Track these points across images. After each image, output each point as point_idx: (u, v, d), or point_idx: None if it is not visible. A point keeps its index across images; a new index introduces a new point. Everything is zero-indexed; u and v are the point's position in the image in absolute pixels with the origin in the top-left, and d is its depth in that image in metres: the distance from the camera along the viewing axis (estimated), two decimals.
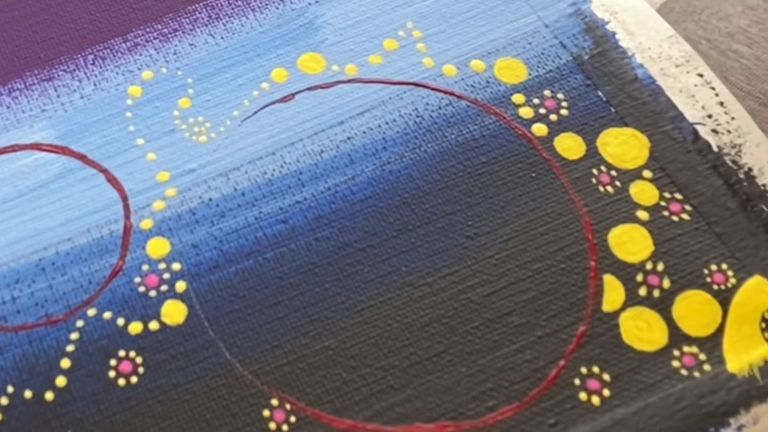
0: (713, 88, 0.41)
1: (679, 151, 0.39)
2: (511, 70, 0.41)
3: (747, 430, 0.34)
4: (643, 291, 0.36)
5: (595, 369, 0.35)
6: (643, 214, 0.38)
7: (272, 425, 0.33)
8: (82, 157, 0.38)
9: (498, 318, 0.35)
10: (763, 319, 0.36)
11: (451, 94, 0.41)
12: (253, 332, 0.35)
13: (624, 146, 0.39)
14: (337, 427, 0.33)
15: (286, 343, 0.35)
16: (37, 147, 0.38)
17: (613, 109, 0.40)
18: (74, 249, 0.36)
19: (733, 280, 0.36)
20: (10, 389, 0.34)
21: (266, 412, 0.33)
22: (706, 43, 0.42)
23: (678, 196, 0.38)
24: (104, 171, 0.38)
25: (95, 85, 0.40)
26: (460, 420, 0.33)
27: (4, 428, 0.33)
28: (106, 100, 0.40)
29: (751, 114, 0.40)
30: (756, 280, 0.37)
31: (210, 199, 0.38)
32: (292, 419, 0.33)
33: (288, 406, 0.34)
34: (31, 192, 0.37)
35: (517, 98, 0.41)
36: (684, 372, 0.35)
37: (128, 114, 0.40)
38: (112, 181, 0.38)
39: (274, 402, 0.34)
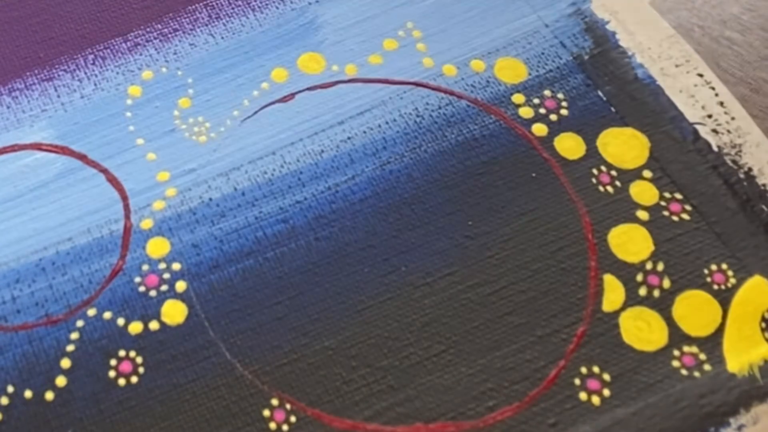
0: (713, 88, 0.41)
1: (679, 151, 0.39)
2: (511, 70, 0.41)
3: (747, 430, 0.34)
4: (643, 291, 0.36)
5: (595, 369, 0.35)
6: (643, 214, 0.38)
7: (272, 425, 0.33)
8: (82, 157, 0.38)
9: (498, 318, 0.35)
10: (763, 319, 0.36)
11: (451, 93, 0.41)
12: (253, 332, 0.35)
13: (624, 146, 0.39)
14: (337, 427, 0.33)
15: (286, 343, 0.35)
16: (38, 147, 0.38)
17: (613, 109, 0.40)
18: (74, 249, 0.36)
19: (733, 280, 0.36)
20: (10, 389, 0.34)
21: (266, 412, 0.33)
22: (699, 30, 0.42)
23: (678, 196, 0.38)
24: (104, 171, 0.38)
25: (95, 85, 0.40)
26: (460, 420, 0.33)
27: (4, 428, 0.33)
28: (106, 100, 0.40)
29: (743, 100, 0.40)
30: (756, 280, 0.36)
31: (210, 199, 0.38)
32: (292, 419, 0.33)
33: (288, 406, 0.34)
34: (32, 192, 0.37)
35: (517, 98, 0.41)
36: (684, 372, 0.35)
37: (128, 114, 0.40)
38: (113, 180, 0.38)
39: (274, 402, 0.34)
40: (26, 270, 0.36)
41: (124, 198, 0.37)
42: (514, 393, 0.34)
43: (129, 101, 0.40)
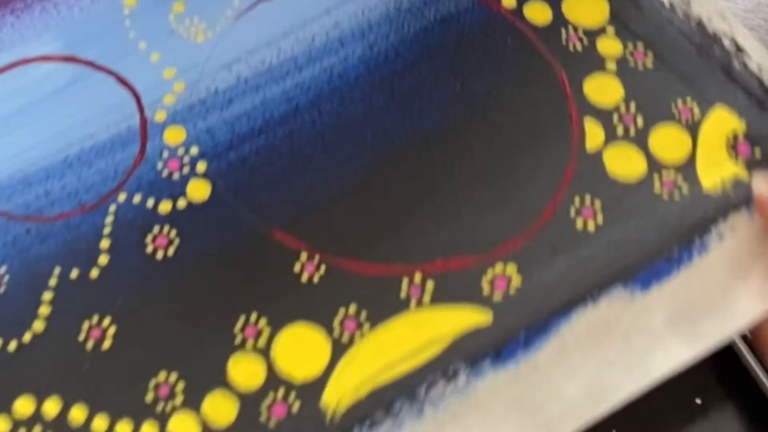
0: None
1: (635, 8, 0.43)
2: None
3: (726, 237, 0.38)
4: (620, 130, 0.40)
5: (587, 200, 0.38)
6: (611, 65, 0.41)
7: (304, 277, 0.36)
8: (90, 64, 0.40)
9: (497, 162, 0.39)
10: (728, 144, 0.40)
11: None
12: (274, 199, 0.38)
13: (586, 8, 0.43)
14: (363, 272, 0.36)
15: (306, 204, 0.37)
16: (46, 59, 0.41)
17: None
18: (97, 144, 0.39)
19: (698, 114, 0.40)
20: (57, 270, 0.36)
21: (297, 267, 0.36)
22: None
23: (640, 46, 0.42)
24: (113, 74, 0.40)
25: None
26: (475, 253, 0.37)
27: (56, 305, 0.35)
28: (104, 12, 0.42)
29: None
30: (718, 112, 0.40)
31: (216, 89, 0.40)
32: (322, 269, 0.36)
33: (316, 259, 0.36)
34: (48, 98, 0.40)
35: None
36: (666, 194, 0.38)
37: (127, 22, 0.42)
38: (123, 82, 0.40)
39: (303, 257, 0.37)
40: (54, 167, 0.38)
41: (136, 96, 0.40)
42: (519, 225, 0.37)
43: (126, 11, 0.42)
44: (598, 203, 0.38)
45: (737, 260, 0.37)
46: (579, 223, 0.38)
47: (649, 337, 0.35)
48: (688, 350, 0.35)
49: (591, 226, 0.38)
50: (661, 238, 0.38)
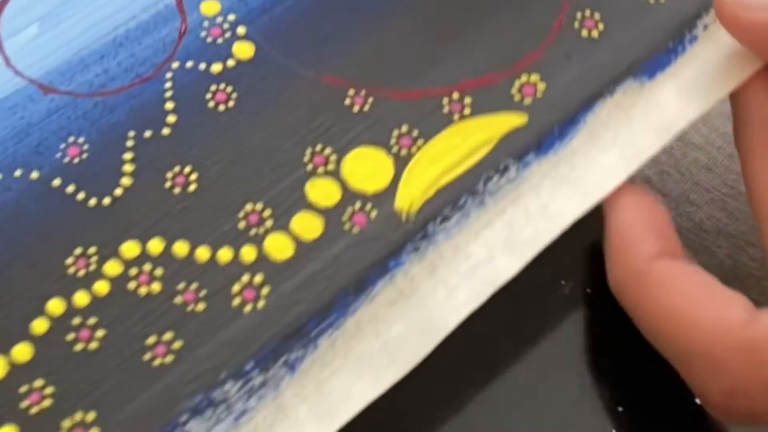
0: None
1: None
2: None
3: (710, 25, 0.43)
4: None
5: (588, 13, 0.43)
6: None
7: (355, 108, 0.40)
8: None
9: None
10: None
11: None
12: (314, 48, 0.41)
13: None
14: (406, 97, 0.40)
15: (344, 49, 0.41)
16: None
17: None
18: (140, 24, 0.42)
19: None
20: (131, 134, 0.39)
21: (347, 101, 0.40)
22: None
23: None
24: None
25: None
26: (500, 69, 0.41)
27: (137, 161, 0.38)
28: None
29: None
30: None
31: None
32: (370, 100, 0.40)
33: (363, 92, 0.40)
34: None
35: None
36: (653, 0, 0.43)
37: None
38: None
39: (351, 92, 0.40)
40: (106, 48, 0.41)
41: None
42: (533, 41, 0.42)
43: None
44: (597, 15, 0.43)
45: (722, 40, 0.42)
46: (584, 33, 0.42)
47: (664, 109, 0.41)
48: (698, 108, 0.40)
49: (595, 34, 0.42)
50: (656, 36, 0.43)
